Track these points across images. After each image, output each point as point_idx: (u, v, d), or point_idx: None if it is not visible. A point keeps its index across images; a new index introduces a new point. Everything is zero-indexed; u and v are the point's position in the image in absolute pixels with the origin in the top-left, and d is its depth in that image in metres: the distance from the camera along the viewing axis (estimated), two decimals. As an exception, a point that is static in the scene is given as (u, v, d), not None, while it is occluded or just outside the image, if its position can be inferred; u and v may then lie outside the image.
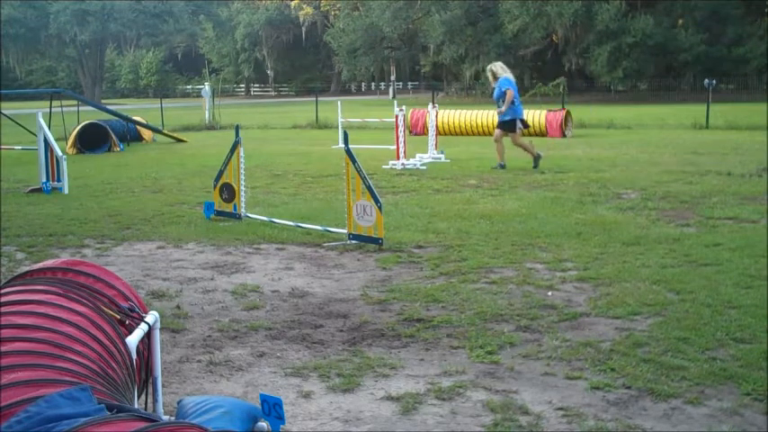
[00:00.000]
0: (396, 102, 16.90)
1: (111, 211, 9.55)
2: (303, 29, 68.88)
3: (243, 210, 8.69)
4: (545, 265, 6.36)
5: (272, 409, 3.00)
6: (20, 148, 15.18)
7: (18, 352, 2.32)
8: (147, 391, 3.22)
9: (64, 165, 11.33)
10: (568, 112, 20.78)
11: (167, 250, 7.30)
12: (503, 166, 12.63)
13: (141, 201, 10.38)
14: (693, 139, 18.40)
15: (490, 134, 20.52)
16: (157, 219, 8.92)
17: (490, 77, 12.92)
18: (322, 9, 68.06)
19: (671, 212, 8.64)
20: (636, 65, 43.24)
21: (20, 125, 17.15)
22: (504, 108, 12.49)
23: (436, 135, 15.66)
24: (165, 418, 2.88)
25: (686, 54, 42.83)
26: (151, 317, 3.08)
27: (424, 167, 13.46)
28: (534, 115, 20.51)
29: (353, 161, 7.23)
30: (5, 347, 2.31)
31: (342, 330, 4.83)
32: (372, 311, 5.20)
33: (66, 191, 11.22)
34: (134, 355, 2.79)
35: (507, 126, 12.73)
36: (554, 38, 47.06)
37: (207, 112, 27.66)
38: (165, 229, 8.29)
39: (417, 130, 20.65)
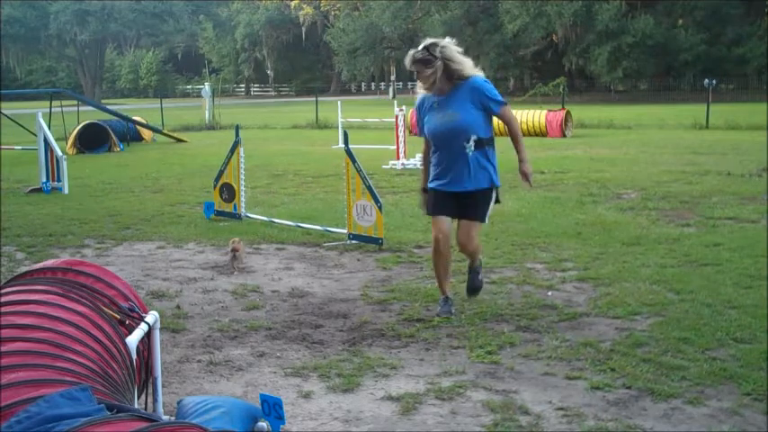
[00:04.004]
0: (396, 102, 16.88)
1: (111, 211, 9.55)
2: (303, 29, 68.83)
3: (243, 210, 8.69)
4: (545, 265, 6.36)
5: (272, 409, 3.00)
6: (20, 148, 15.17)
7: (18, 352, 2.32)
8: (147, 391, 3.22)
9: (64, 165, 11.34)
10: (568, 112, 20.78)
11: (167, 250, 7.30)
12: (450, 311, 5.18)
13: (141, 201, 10.38)
14: (693, 139, 18.39)
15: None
16: (157, 219, 8.92)
17: (433, 70, 4.98)
18: (322, 9, 68.02)
19: (671, 212, 8.64)
20: (636, 65, 43.23)
21: (20, 125, 17.16)
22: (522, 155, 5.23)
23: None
24: (165, 418, 2.88)
25: (686, 54, 42.82)
26: (151, 317, 3.08)
27: (424, 167, 13.44)
28: (534, 115, 20.51)
29: (353, 161, 7.22)
30: (5, 347, 2.31)
31: (342, 330, 4.83)
32: (372, 311, 5.20)
33: (66, 191, 11.22)
34: (134, 355, 2.79)
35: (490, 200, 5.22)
36: (554, 38, 47.04)
37: (207, 112, 27.66)
38: (165, 229, 8.30)
39: (417, 130, 20.64)
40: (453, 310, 5.05)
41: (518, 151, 5.11)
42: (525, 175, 5.14)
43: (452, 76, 4.91)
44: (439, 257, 5.15)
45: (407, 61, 4.97)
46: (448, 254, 5.19)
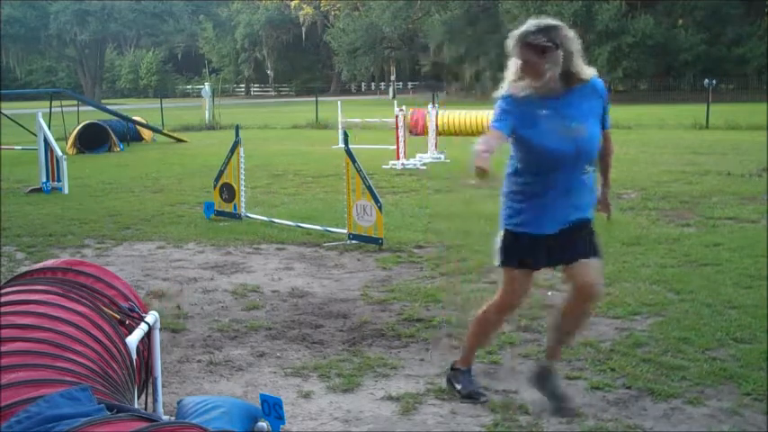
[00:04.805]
0: (396, 102, 16.88)
1: (111, 211, 9.55)
2: (303, 29, 68.87)
3: (243, 210, 8.69)
4: (545, 265, 6.35)
5: (272, 409, 3.00)
6: (20, 148, 15.18)
7: (18, 352, 2.32)
8: (147, 391, 3.22)
9: (64, 165, 11.34)
10: (568, 112, 20.73)
11: (167, 250, 7.30)
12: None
13: (141, 201, 10.38)
14: (693, 139, 18.39)
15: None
16: (157, 219, 8.92)
17: (548, 62, 3.45)
18: (322, 9, 68.04)
19: (671, 212, 8.64)
20: (636, 65, 43.24)
21: (20, 125, 17.16)
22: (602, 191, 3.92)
23: (436, 135, 15.65)
24: (165, 418, 2.88)
25: (686, 54, 42.82)
26: (151, 317, 3.08)
27: (424, 167, 13.46)
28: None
29: (353, 161, 7.23)
30: (5, 347, 2.31)
31: (342, 330, 4.83)
32: (372, 311, 5.20)
33: (66, 191, 11.22)
34: (134, 355, 2.79)
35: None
36: (554, 38, 47.04)
37: (207, 112, 27.66)
38: (165, 229, 8.30)
39: (417, 130, 20.60)
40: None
41: (607, 177, 3.85)
42: (608, 205, 3.93)
43: (569, 75, 3.49)
44: (498, 324, 3.94)
45: (512, 44, 3.49)
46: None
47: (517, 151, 3.57)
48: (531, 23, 3.51)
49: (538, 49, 3.42)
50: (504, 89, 3.54)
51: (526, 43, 3.45)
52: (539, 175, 3.53)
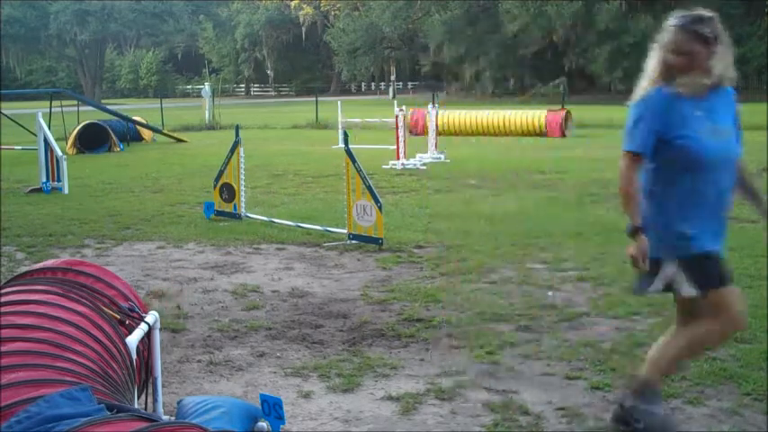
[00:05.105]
0: (396, 102, 16.87)
1: (111, 211, 9.55)
2: (303, 29, 68.84)
3: (243, 210, 8.70)
4: (545, 265, 6.36)
5: (272, 409, 3.00)
6: (20, 148, 15.17)
7: (18, 352, 2.32)
8: (147, 391, 3.22)
9: (64, 165, 11.34)
10: (568, 112, 20.78)
11: (167, 250, 7.30)
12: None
13: (141, 201, 10.38)
14: (693, 139, 18.37)
15: (491, 134, 20.53)
16: (157, 219, 8.92)
17: (707, 54, 3.10)
18: (322, 9, 68.03)
19: (671, 212, 8.63)
20: (636, 65, 43.02)
21: (20, 125, 17.16)
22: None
23: (436, 135, 15.65)
24: (165, 418, 2.88)
25: (686, 54, 42.83)
26: (151, 317, 3.08)
27: (424, 167, 13.46)
28: (534, 115, 20.49)
29: (353, 161, 7.23)
30: (5, 347, 2.31)
31: (342, 330, 4.83)
32: (372, 311, 5.20)
33: (66, 191, 11.22)
34: (134, 355, 2.79)
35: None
36: (554, 38, 47.07)
37: (207, 112, 27.65)
38: (165, 229, 8.30)
39: (417, 130, 20.60)
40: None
41: (761, 202, 3.40)
42: None
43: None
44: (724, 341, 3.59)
45: (670, 33, 3.11)
46: None
47: (662, 161, 3.14)
48: (686, 13, 3.13)
49: (701, 39, 3.06)
50: (646, 86, 3.19)
51: (693, 31, 3.07)
52: (693, 182, 3.11)
